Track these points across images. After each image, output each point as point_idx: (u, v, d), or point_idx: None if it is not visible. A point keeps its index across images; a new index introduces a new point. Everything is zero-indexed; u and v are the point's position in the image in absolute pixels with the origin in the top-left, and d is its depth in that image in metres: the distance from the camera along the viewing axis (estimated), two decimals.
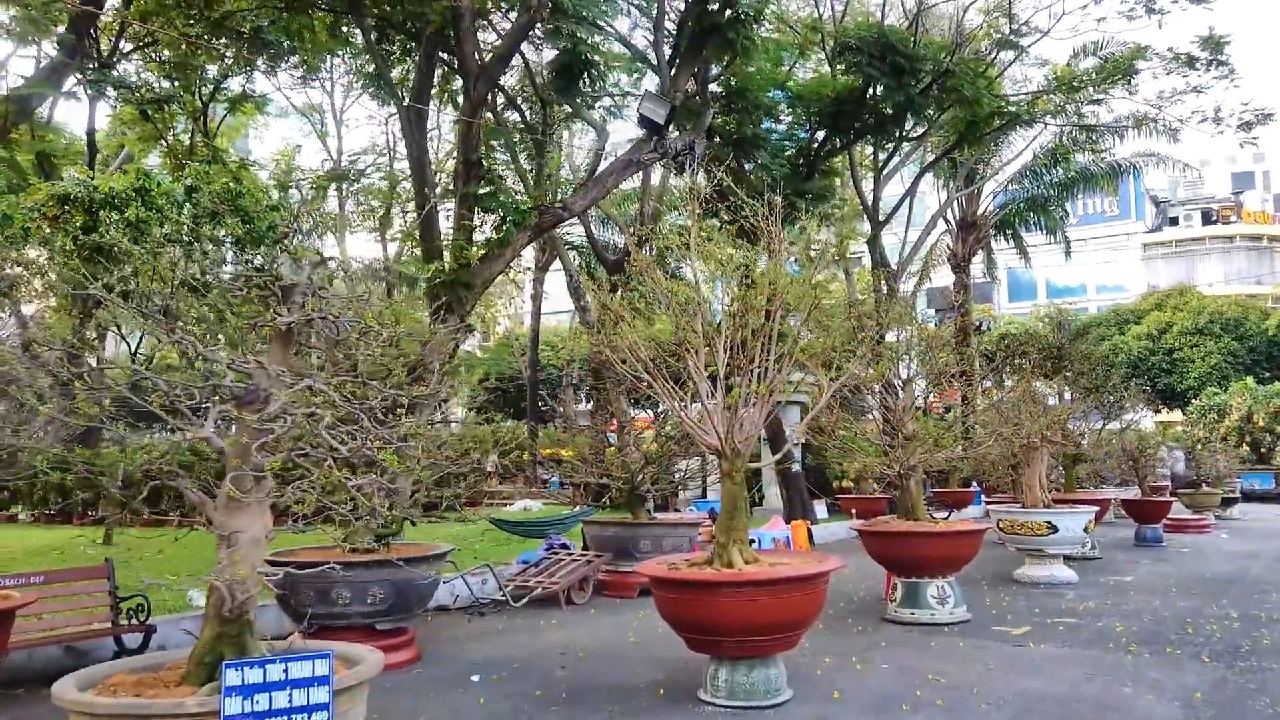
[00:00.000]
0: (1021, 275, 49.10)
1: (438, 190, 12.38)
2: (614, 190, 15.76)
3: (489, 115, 15.50)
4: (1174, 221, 57.10)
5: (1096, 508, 12.18)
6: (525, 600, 9.78)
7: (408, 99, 11.91)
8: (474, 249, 11.24)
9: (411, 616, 7.38)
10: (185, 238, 12.75)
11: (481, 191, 11.28)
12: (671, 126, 12.00)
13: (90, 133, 20.44)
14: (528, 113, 16.09)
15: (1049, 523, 11.26)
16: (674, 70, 12.35)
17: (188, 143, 21.62)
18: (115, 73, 20.71)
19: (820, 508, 25.81)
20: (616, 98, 15.27)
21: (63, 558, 11.44)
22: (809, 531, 16.11)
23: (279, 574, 5.13)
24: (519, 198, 12.01)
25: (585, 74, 12.38)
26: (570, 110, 14.76)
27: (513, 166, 15.08)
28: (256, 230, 14.54)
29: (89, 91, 21.22)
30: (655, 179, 21.90)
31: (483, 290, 11.71)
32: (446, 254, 11.37)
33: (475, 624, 9.17)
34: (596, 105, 14.74)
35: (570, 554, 10.80)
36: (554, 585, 9.88)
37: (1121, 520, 19.27)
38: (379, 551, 7.54)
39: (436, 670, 7.18)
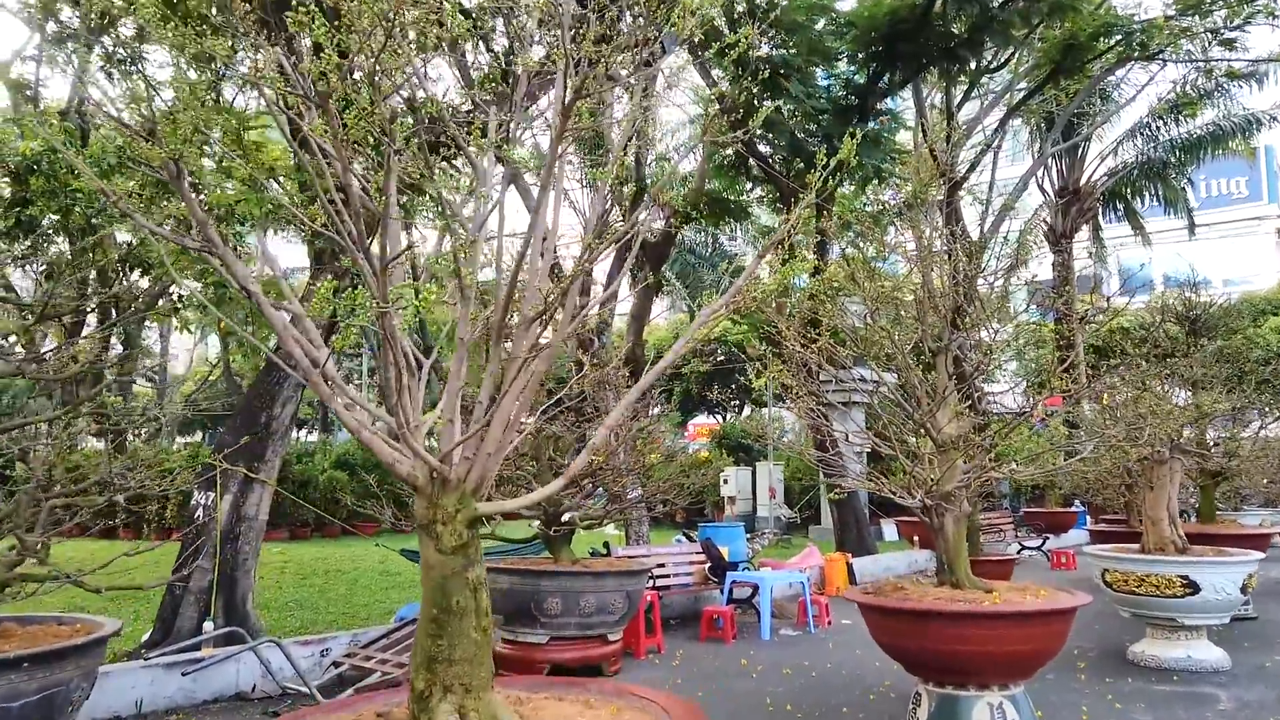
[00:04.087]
0: (1135, 267, 43.79)
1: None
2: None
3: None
4: None
5: (1261, 554, 8.05)
6: (352, 691, 6.40)
7: None
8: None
9: None
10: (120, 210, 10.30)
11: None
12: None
13: (72, 108, 18.12)
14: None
15: (1185, 578, 7.32)
16: None
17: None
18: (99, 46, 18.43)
19: (889, 528, 21.87)
20: None
21: None
22: (849, 568, 12.32)
23: None
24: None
25: None
26: None
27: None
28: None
29: (69, 62, 18.96)
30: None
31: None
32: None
33: None
34: None
35: None
36: (399, 670, 6.46)
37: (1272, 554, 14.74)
38: None
39: None
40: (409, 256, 3.03)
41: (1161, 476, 7.93)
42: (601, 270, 14.21)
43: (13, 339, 8.63)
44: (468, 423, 2.69)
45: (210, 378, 31.30)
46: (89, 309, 18.14)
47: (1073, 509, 20.40)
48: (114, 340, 24.95)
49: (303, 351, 2.30)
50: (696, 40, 13.75)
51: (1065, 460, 7.64)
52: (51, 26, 19.66)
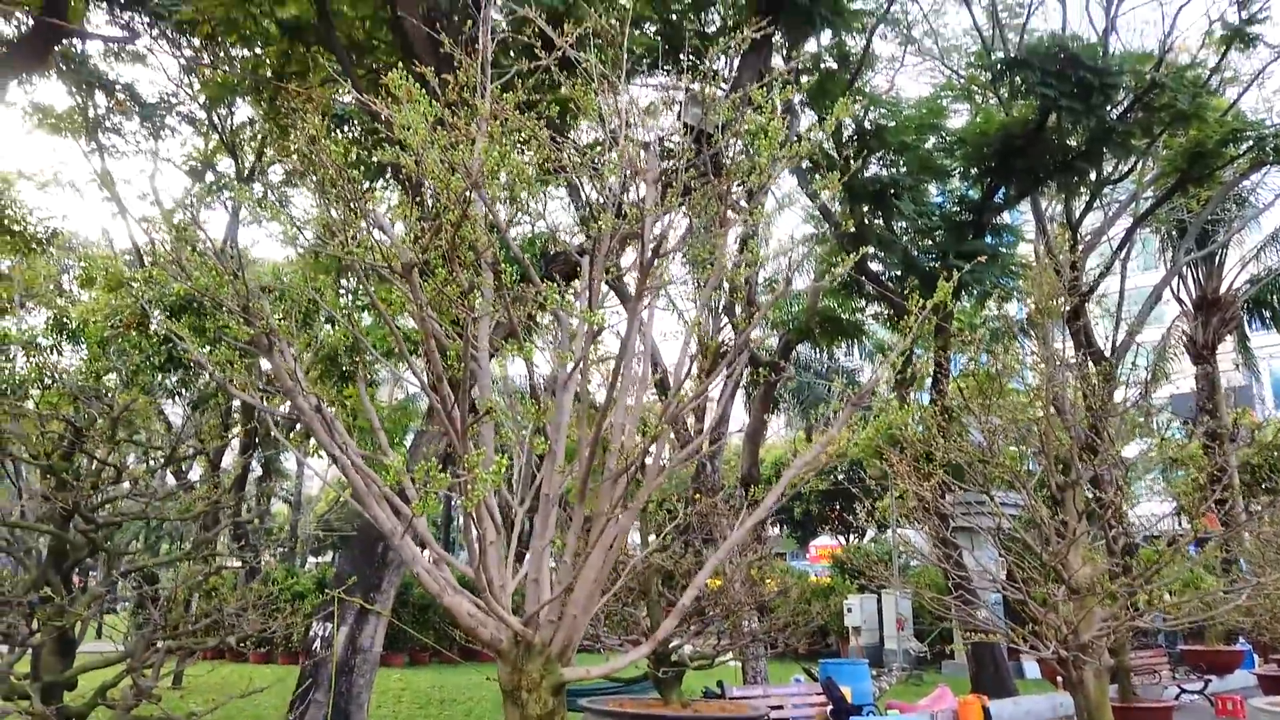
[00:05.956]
0: None
1: None
2: None
3: None
4: None
5: None
6: None
7: None
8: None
9: None
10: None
11: None
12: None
13: (226, 250, 19.91)
14: None
15: None
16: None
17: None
18: (258, 188, 20.30)
19: (1030, 665, 20.35)
20: None
21: None
22: (985, 712, 11.41)
23: None
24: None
25: None
26: None
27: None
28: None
29: (225, 202, 20.92)
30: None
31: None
32: None
33: None
34: None
35: None
36: None
37: None
38: None
39: None
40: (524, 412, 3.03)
41: None
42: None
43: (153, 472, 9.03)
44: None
45: (341, 499, 32.37)
46: (228, 438, 19.12)
47: (1238, 648, 18.57)
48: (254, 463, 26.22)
49: (385, 514, 2.31)
50: (805, 166, 13.95)
51: (1220, 600, 6.99)
52: (210, 176, 21.63)
